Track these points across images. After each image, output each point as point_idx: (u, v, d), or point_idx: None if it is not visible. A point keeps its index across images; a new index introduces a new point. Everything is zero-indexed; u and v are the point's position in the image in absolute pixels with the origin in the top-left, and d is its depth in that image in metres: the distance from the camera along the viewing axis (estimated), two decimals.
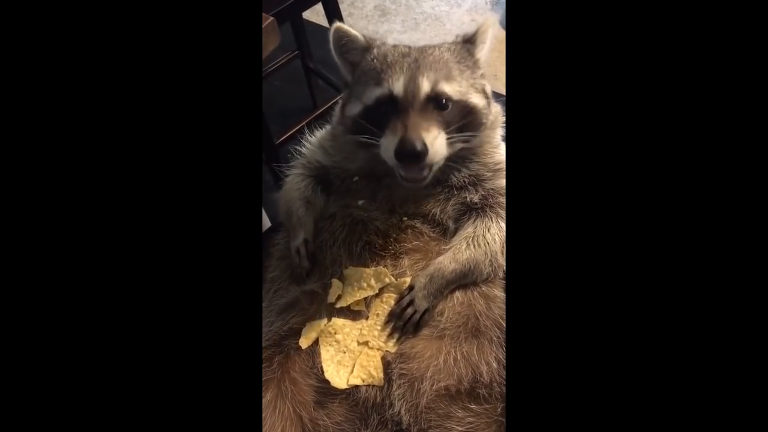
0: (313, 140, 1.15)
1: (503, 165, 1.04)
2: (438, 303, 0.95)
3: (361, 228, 1.01)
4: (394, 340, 0.93)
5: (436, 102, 0.91)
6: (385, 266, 0.97)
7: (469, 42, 0.99)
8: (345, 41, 0.99)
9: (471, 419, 0.89)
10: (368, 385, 0.91)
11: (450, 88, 0.92)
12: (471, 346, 0.92)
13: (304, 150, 1.15)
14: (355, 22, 2.39)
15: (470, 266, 0.95)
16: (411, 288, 0.94)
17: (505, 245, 0.97)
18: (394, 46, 1.00)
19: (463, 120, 0.95)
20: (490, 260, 0.96)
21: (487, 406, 0.89)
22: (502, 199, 1.01)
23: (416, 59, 0.92)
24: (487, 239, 0.97)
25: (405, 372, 0.91)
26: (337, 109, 1.13)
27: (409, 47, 0.99)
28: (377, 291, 0.96)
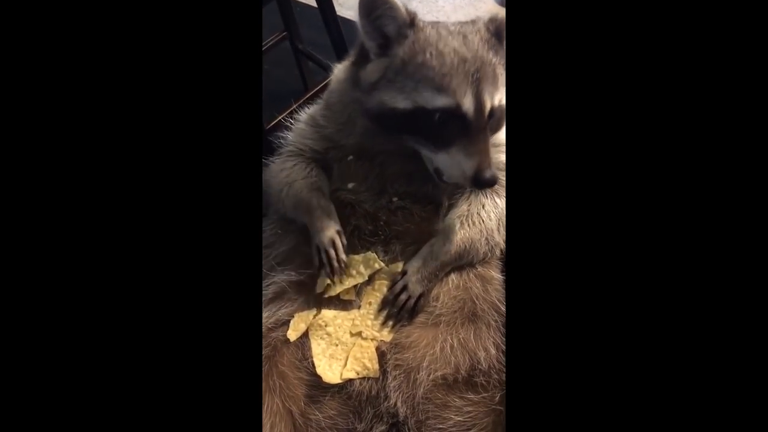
0: (301, 120, 1.08)
1: (502, 140, 0.99)
2: (433, 287, 0.91)
3: (349, 211, 0.97)
4: (389, 329, 0.89)
5: (491, 116, 0.87)
6: (375, 252, 0.93)
7: (498, 36, 0.90)
8: (382, 8, 0.86)
9: (469, 408, 0.86)
10: (362, 378, 0.88)
11: (498, 99, 0.87)
12: (468, 332, 0.89)
13: (291, 136, 1.08)
14: (345, 1, 2.31)
15: (466, 246, 0.92)
16: (404, 273, 0.91)
17: (501, 222, 0.94)
18: (438, 32, 0.88)
19: (501, 118, 0.92)
20: (486, 238, 0.93)
21: (485, 394, 0.87)
22: (500, 174, 0.96)
23: (477, 69, 0.84)
24: (482, 217, 0.93)
25: (400, 362, 0.88)
26: (339, 73, 1.05)
27: (459, 37, 0.87)
28: (367, 278, 0.92)
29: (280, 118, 1.64)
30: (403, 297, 0.89)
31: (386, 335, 0.89)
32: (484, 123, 0.85)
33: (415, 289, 0.89)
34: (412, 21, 0.87)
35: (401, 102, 0.87)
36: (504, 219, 0.94)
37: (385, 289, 0.91)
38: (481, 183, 0.84)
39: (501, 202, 0.95)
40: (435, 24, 0.90)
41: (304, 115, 1.09)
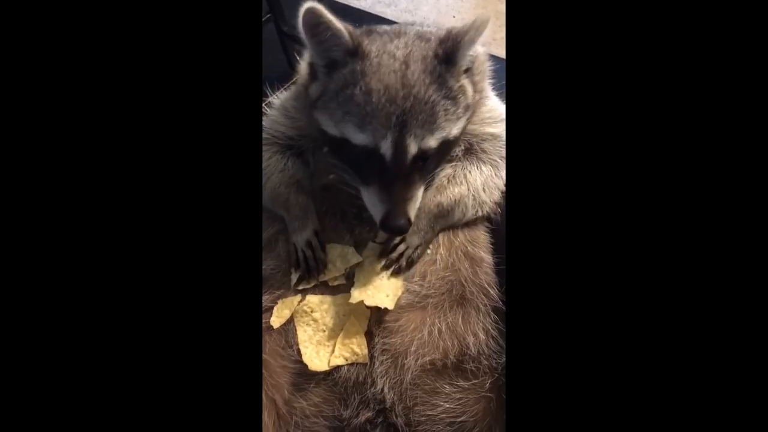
0: (275, 104, 1.05)
1: (490, 114, 0.98)
2: (430, 240, 0.91)
3: (333, 194, 0.94)
4: (390, 298, 0.86)
5: (421, 158, 0.83)
6: (361, 233, 0.91)
7: (448, 60, 0.83)
8: (324, 33, 0.81)
9: (459, 395, 0.84)
10: (350, 364, 0.85)
11: (434, 141, 0.83)
12: (456, 316, 0.87)
13: (266, 121, 1.04)
14: None
15: (455, 200, 0.92)
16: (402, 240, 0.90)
17: (486, 184, 0.94)
18: (380, 61, 0.82)
19: (444, 153, 0.89)
20: (473, 195, 0.93)
21: (475, 381, 0.85)
22: (486, 145, 0.96)
23: (404, 111, 0.79)
24: (467, 178, 0.93)
25: (388, 347, 0.86)
26: (301, 71, 1.01)
27: (400, 67, 0.81)
28: (343, 271, 0.90)
29: (268, 101, 1.61)
30: (402, 247, 0.88)
31: (389, 303, 0.85)
32: (404, 168, 0.82)
33: (413, 240, 0.89)
34: (355, 49, 0.82)
35: (331, 128, 0.85)
36: (489, 183, 0.94)
37: (377, 267, 0.88)
38: (388, 229, 0.83)
39: (486, 169, 0.94)
40: (383, 45, 0.84)
41: (277, 102, 1.06)
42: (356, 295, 0.86)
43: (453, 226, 0.93)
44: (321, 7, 0.78)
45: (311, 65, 0.90)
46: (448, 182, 0.93)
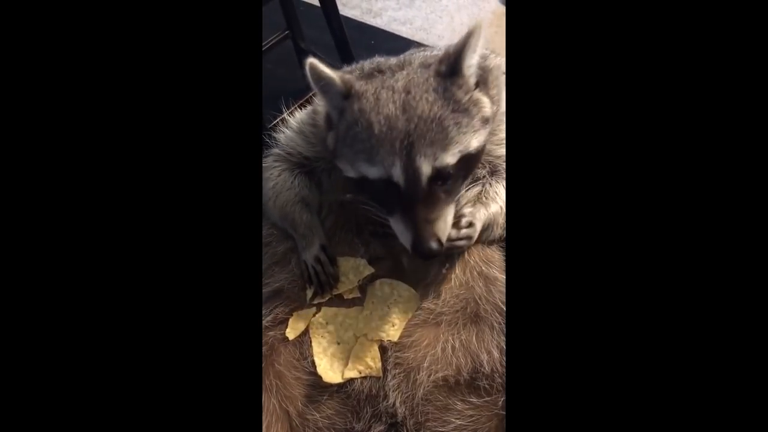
0: (293, 124, 1.07)
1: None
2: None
3: (350, 211, 0.96)
4: (396, 328, 0.88)
5: (440, 177, 0.83)
6: (375, 249, 0.93)
7: (452, 73, 0.84)
8: (320, 83, 0.86)
9: (471, 412, 0.84)
10: (363, 377, 0.86)
11: (451, 157, 0.82)
12: (470, 334, 0.87)
13: (281, 137, 1.07)
14: (348, 0, 2.31)
15: (492, 219, 0.92)
16: (470, 224, 0.89)
17: None
18: (376, 97, 0.83)
19: (469, 168, 0.89)
20: (503, 214, 0.93)
21: (488, 398, 0.85)
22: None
23: (408, 133, 0.80)
24: (498, 195, 0.94)
25: (401, 361, 0.87)
26: (319, 108, 1.03)
27: (399, 96, 0.82)
28: (356, 284, 0.91)
29: (283, 116, 1.63)
30: (468, 232, 0.88)
31: (393, 334, 0.87)
32: (422, 190, 0.81)
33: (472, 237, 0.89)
34: (348, 92, 0.86)
35: (350, 171, 0.89)
36: None
37: (386, 289, 0.90)
38: (420, 255, 0.82)
39: None
40: (382, 83, 0.86)
41: (294, 123, 1.08)
42: (361, 327, 0.88)
43: (481, 243, 0.93)
44: (317, 62, 0.85)
45: (327, 115, 0.93)
46: (486, 199, 0.93)
